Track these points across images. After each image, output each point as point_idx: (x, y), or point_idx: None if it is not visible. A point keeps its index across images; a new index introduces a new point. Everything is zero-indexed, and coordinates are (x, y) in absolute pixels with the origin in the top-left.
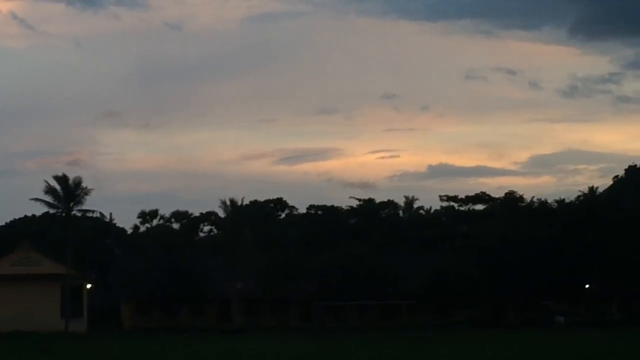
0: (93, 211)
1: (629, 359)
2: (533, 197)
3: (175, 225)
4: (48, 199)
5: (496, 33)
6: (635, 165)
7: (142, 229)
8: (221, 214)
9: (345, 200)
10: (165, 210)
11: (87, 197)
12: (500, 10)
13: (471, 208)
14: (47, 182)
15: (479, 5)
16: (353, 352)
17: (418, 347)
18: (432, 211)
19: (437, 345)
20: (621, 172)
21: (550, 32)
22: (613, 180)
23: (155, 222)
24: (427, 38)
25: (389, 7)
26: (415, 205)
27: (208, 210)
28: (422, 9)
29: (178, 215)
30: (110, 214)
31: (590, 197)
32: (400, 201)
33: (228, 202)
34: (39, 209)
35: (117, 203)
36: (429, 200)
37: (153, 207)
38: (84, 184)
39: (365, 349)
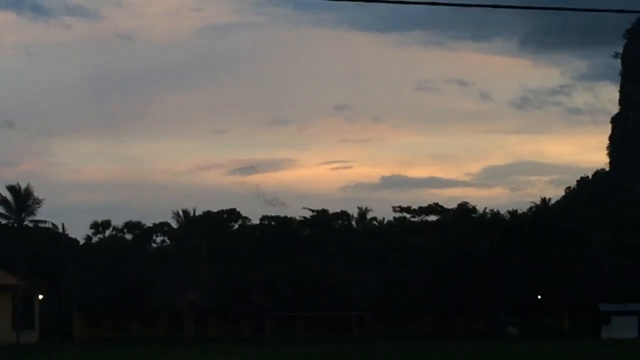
0: (45, 222)
1: None
2: (486, 209)
3: (128, 236)
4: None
5: (448, 45)
6: (587, 177)
7: (95, 239)
8: (174, 224)
9: (298, 211)
10: (118, 221)
11: (39, 208)
12: (452, 22)
13: (424, 219)
14: None
15: (431, 17)
16: None
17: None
18: (385, 222)
19: (387, 358)
20: (573, 184)
21: (502, 44)
22: (565, 192)
23: (107, 232)
24: (379, 49)
25: (341, 18)
26: (369, 216)
27: (161, 221)
28: (374, 20)
29: (130, 226)
30: (62, 224)
31: (543, 208)
32: (354, 212)
33: (181, 213)
34: None
35: (69, 214)
36: (382, 211)
37: (105, 218)
38: (35, 195)
39: None
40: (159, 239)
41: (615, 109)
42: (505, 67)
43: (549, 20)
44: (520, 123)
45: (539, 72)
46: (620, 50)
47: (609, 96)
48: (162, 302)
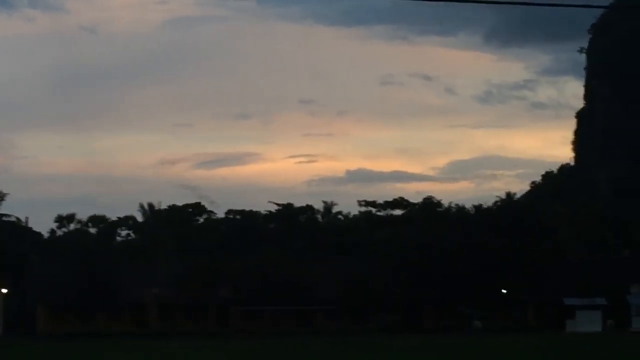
0: (9, 215)
1: None
2: (451, 203)
3: (93, 230)
4: None
5: (412, 39)
6: (553, 171)
7: (59, 233)
8: (139, 218)
9: (264, 205)
10: (83, 215)
11: (3, 202)
12: (416, 17)
13: (389, 213)
14: None
15: (395, 12)
16: None
17: (332, 354)
18: (350, 216)
19: (351, 352)
20: (538, 178)
21: (466, 38)
22: (530, 186)
23: (72, 226)
24: (343, 43)
25: (306, 12)
26: (334, 210)
27: (126, 214)
28: (339, 14)
29: (95, 220)
30: (27, 218)
31: (508, 202)
32: (319, 206)
33: (146, 207)
34: None
35: (33, 207)
36: (348, 205)
37: (70, 212)
38: None
39: (277, 356)
40: (124, 233)
41: (578, 103)
42: (469, 62)
43: (513, 15)
44: (485, 117)
45: (503, 67)
46: (585, 45)
47: (573, 91)
48: (127, 296)
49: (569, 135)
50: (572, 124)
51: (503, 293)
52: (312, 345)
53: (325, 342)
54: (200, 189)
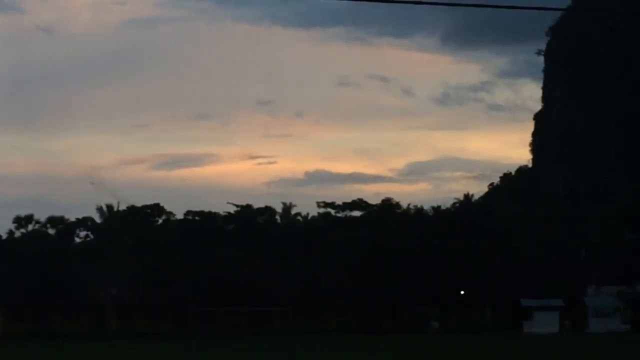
0: None
1: None
2: (409, 204)
3: (51, 231)
4: None
5: (369, 40)
6: (510, 173)
7: (17, 234)
8: (97, 219)
9: (222, 206)
10: (41, 215)
11: None
12: (373, 18)
13: (348, 214)
14: None
15: (352, 13)
16: None
17: (284, 355)
18: (309, 217)
19: (306, 353)
20: (496, 180)
21: (423, 40)
22: (488, 188)
23: (30, 227)
24: (301, 45)
25: (263, 13)
26: (293, 212)
27: (84, 215)
28: (295, 16)
29: (54, 221)
30: None
31: (466, 204)
32: (278, 207)
33: (105, 208)
34: None
35: None
36: (307, 206)
37: (28, 212)
38: None
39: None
40: (82, 234)
41: (535, 105)
42: (426, 63)
43: (470, 17)
44: (443, 119)
45: (459, 69)
46: (543, 47)
47: (529, 93)
48: (85, 297)
49: (526, 137)
50: (529, 126)
51: (461, 294)
52: (266, 346)
53: (280, 343)
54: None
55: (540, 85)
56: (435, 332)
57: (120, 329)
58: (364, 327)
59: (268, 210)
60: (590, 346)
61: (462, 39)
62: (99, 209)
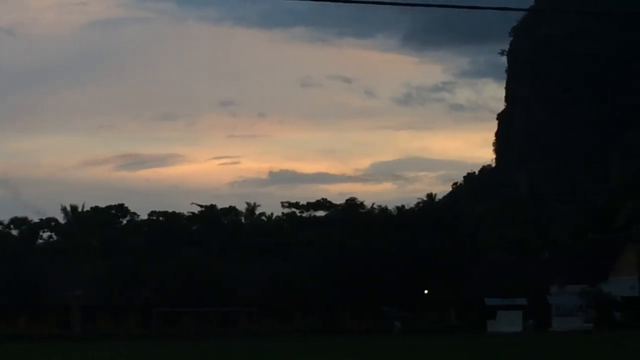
0: None
1: None
2: (374, 204)
3: (15, 232)
4: None
5: (331, 41)
6: (474, 173)
7: None
8: (62, 220)
9: (187, 206)
10: (4, 216)
11: None
12: (335, 19)
13: (312, 214)
14: None
15: (314, 14)
16: None
17: (247, 356)
18: (273, 217)
19: (271, 354)
20: (460, 179)
21: (384, 40)
22: (452, 187)
23: None
24: (263, 45)
25: (224, 14)
26: (257, 212)
27: (48, 216)
28: (257, 16)
29: (17, 222)
30: None
31: (429, 203)
32: (242, 207)
33: (69, 208)
34: None
35: None
36: (271, 206)
37: None
38: None
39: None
40: (46, 235)
41: (496, 105)
42: (388, 64)
43: (431, 17)
44: (406, 119)
45: (421, 69)
46: (504, 47)
47: (491, 93)
48: (50, 298)
49: (489, 136)
50: (491, 126)
51: (425, 294)
52: (230, 347)
53: (243, 344)
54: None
55: (502, 85)
56: (398, 332)
57: (85, 330)
58: (329, 327)
59: (232, 211)
60: (547, 344)
61: (423, 39)
62: (63, 210)
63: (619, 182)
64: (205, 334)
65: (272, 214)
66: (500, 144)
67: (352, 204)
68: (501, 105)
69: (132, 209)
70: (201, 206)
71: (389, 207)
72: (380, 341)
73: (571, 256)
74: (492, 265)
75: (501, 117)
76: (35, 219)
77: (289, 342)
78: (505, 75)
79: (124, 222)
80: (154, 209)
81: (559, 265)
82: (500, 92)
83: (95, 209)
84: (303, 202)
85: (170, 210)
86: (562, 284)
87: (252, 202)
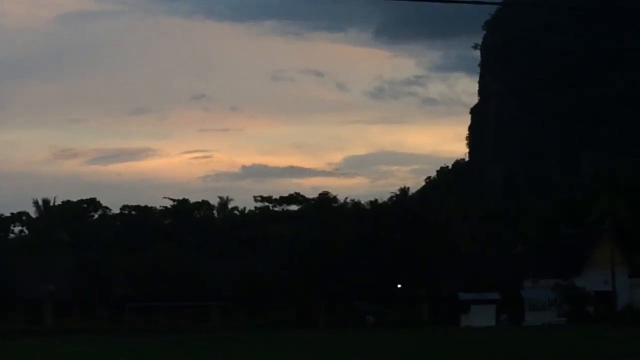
0: None
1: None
2: (346, 198)
3: None
4: None
5: (303, 35)
6: (447, 167)
7: None
8: (33, 214)
9: (159, 200)
10: None
11: None
12: (307, 12)
13: (285, 209)
14: None
15: (285, 7)
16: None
17: (221, 351)
18: (246, 212)
19: (242, 348)
20: (433, 173)
21: (356, 34)
22: (425, 182)
23: None
24: (234, 39)
25: (195, 7)
26: (230, 206)
27: (19, 210)
28: (228, 10)
29: None
30: None
31: (403, 198)
32: (215, 202)
33: (40, 202)
34: None
35: None
36: (244, 200)
37: None
38: None
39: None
40: (17, 229)
41: (469, 99)
42: (360, 58)
43: (403, 11)
44: (378, 113)
45: (394, 63)
46: (477, 41)
47: (464, 87)
48: (21, 293)
49: (462, 131)
50: (465, 120)
51: (398, 288)
52: (202, 342)
53: (214, 338)
54: None
55: (475, 79)
56: (371, 327)
57: (57, 325)
58: (302, 321)
59: (205, 205)
60: (520, 337)
61: (395, 33)
62: (35, 204)
63: (592, 176)
64: (178, 328)
65: (244, 208)
66: (473, 138)
67: (325, 198)
68: (474, 100)
69: (103, 203)
70: (173, 200)
71: (362, 202)
72: (351, 335)
73: (544, 250)
74: (466, 259)
75: (474, 111)
76: (6, 213)
77: (260, 336)
78: (478, 70)
79: (96, 216)
80: (125, 203)
81: (532, 260)
82: (473, 87)
83: (67, 203)
84: (276, 196)
85: (142, 204)
86: (535, 278)
87: (224, 196)
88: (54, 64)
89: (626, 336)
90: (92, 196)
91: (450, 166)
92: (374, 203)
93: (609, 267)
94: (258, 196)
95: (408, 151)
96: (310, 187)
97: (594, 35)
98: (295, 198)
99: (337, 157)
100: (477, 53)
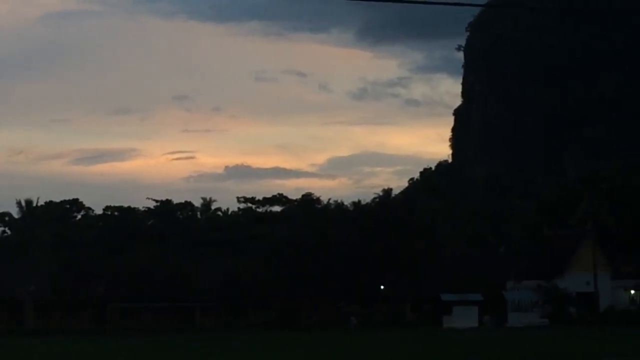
0: None
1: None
2: (330, 199)
3: None
4: None
5: (286, 35)
6: (430, 168)
7: None
8: (15, 214)
9: (142, 201)
10: None
11: None
12: (289, 13)
13: (268, 209)
14: None
15: (268, 8)
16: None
17: (204, 352)
18: (229, 212)
19: (225, 348)
20: (416, 175)
21: (339, 35)
22: (408, 183)
23: None
24: (216, 39)
25: (178, 7)
26: (213, 207)
27: (2, 210)
28: (211, 10)
29: None
30: None
31: (386, 199)
32: (198, 202)
33: (23, 203)
34: None
35: None
36: (227, 201)
37: None
38: None
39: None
40: None
41: (452, 100)
42: (343, 59)
43: (386, 12)
44: (362, 114)
45: (376, 64)
46: (460, 43)
47: (446, 88)
48: (2, 293)
49: (445, 132)
50: (448, 121)
51: (381, 289)
52: (185, 342)
53: (198, 339)
54: None
55: (457, 80)
56: (354, 327)
57: (39, 325)
58: (285, 322)
59: (188, 206)
60: (500, 339)
61: (378, 34)
62: (18, 204)
63: (575, 177)
64: (161, 330)
65: (228, 209)
66: (456, 139)
67: (308, 199)
68: (456, 101)
69: (86, 203)
70: (156, 201)
71: (345, 203)
72: (334, 335)
73: (527, 252)
74: (448, 260)
75: (457, 113)
76: None
77: (242, 337)
78: (461, 71)
79: (79, 216)
80: (108, 204)
81: (515, 261)
82: (456, 88)
83: (50, 204)
84: (259, 197)
85: (125, 205)
86: (518, 279)
87: (208, 197)
88: (36, 64)
89: (608, 337)
90: (75, 197)
91: (433, 167)
92: (357, 204)
93: (592, 269)
94: (241, 197)
95: (391, 152)
96: (293, 188)
97: (579, 36)
98: (278, 199)
99: (321, 158)
100: (460, 54)
